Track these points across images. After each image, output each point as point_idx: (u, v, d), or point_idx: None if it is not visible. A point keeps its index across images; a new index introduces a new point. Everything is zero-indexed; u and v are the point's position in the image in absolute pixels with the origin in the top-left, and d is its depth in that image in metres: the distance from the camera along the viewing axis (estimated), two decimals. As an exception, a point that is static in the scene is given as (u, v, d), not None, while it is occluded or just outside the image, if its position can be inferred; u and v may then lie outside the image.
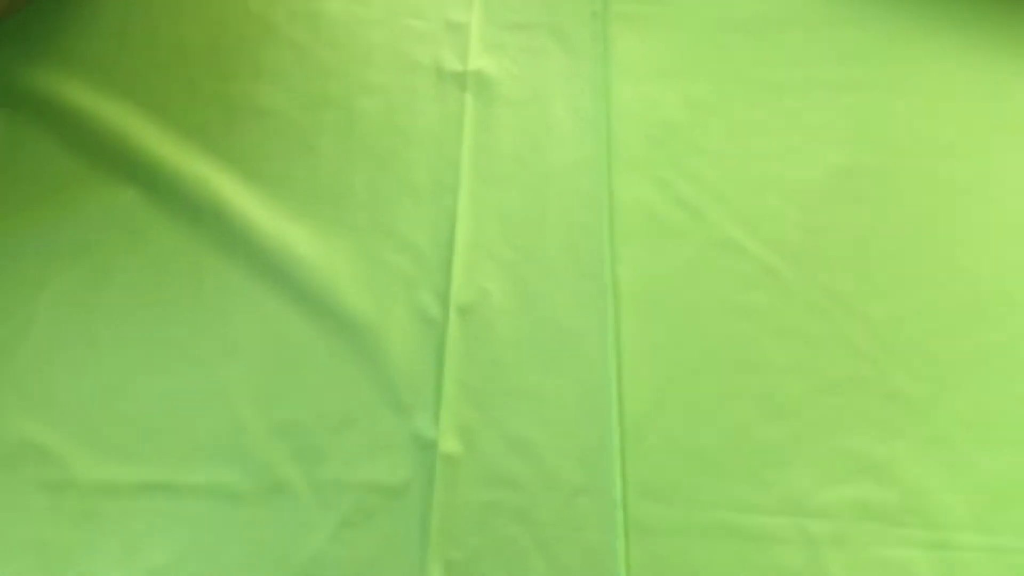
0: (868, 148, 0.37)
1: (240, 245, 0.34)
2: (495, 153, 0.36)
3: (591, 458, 0.32)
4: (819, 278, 0.35)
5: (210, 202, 0.34)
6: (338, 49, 0.38)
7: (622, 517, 0.31)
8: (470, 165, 0.36)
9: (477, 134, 0.37)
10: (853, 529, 0.31)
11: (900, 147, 0.37)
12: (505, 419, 0.32)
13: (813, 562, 0.31)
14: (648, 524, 0.31)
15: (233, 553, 0.30)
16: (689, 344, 0.34)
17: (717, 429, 0.33)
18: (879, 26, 0.39)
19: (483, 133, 0.37)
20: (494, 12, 0.39)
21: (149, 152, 0.35)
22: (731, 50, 0.39)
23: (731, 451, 0.32)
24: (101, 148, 0.35)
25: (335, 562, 0.30)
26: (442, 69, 0.38)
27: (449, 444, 0.32)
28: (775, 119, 0.37)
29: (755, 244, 0.35)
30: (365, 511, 0.31)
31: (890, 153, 0.37)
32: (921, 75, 0.38)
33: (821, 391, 0.33)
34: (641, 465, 0.32)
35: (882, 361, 0.34)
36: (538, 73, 0.38)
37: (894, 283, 0.35)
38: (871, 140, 0.37)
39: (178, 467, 0.31)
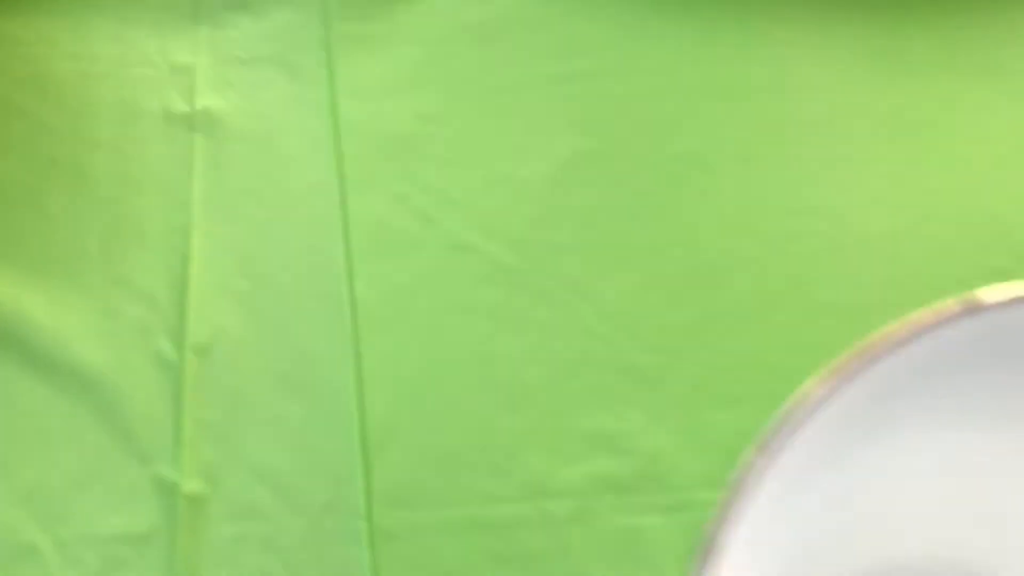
0: (594, 135, 0.38)
1: (-27, 318, 0.34)
2: (227, 189, 0.37)
3: (335, 476, 0.33)
4: (549, 267, 0.36)
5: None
6: (65, 109, 0.38)
7: (367, 528, 0.32)
8: (202, 204, 0.37)
9: (207, 173, 0.37)
10: (592, 504, 0.32)
11: (625, 130, 0.38)
12: (248, 451, 0.33)
13: (555, 541, 0.32)
14: (394, 530, 0.32)
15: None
16: (428, 349, 0.35)
17: (459, 428, 0.33)
18: (607, 16, 0.40)
19: (213, 171, 0.37)
20: (220, 50, 0.40)
21: None
22: (457, 58, 0.40)
23: (473, 447, 0.33)
24: None
25: (85, 618, 0.31)
26: (170, 113, 0.38)
27: (192, 484, 0.32)
28: (502, 120, 0.38)
29: (487, 243, 0.36)
30: (113, 563, 0.31)
31: (616, 137, 0.38)
32: (645, 58, 0.40)
33: (557, 376, 0.34)
34: (385, 474, 0.33)
35: (613, 338, 0.35)
36: (266, 105, 0.39)
37: (621, 261, 0.36)
38: (597, 126, 0.38)
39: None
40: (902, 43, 0.39)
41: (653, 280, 0.35)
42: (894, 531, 0.25)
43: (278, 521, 0.32)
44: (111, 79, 0.39)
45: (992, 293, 0.19)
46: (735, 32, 0.39)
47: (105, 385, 0.34)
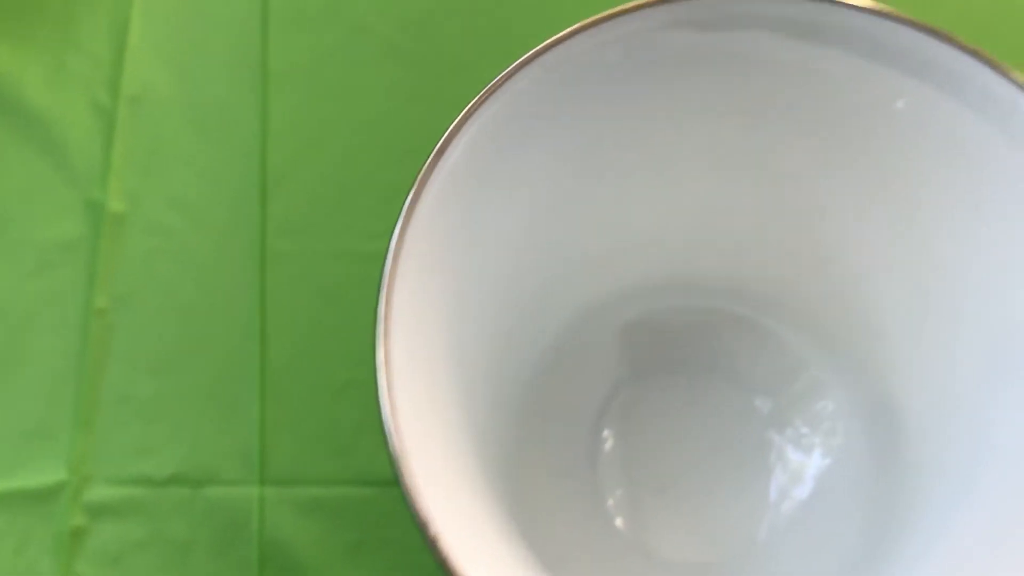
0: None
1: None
2: (166, -31, 0.42)
3: (237, 205, 0.38)
4: (438, 49, 0.41)
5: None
6: None
7: (260, 249, 0.38)
8: (144, -20, 0.42)
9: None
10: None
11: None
12: (165, 182, 0.39)
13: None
14: (284, 253, 0.38)
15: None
16: (327, 111, 0.40)
17: (347, 176, 0.39)
18: None
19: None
20: None
21: None
22: None
23: (358, 192, 0.39)
24: None
25: (17, 305, 0.37)
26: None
27: (115, 204, 0.38)
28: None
29: (387, 27, 0.41)
30: (46, 264, 0.37)
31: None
32: None
33: (438, 138, 0.40)
34: (280, 207, 0.38)
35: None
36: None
37: (502, 45, 0.41)
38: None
39: None
40: None
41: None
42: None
43: (186, 239, 0.38)
44: None
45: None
46: None
47: (51, 124, 0.39)
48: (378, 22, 0.41)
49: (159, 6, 0.41)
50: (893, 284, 0.30)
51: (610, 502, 0.32)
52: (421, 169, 0.28)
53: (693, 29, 0.27)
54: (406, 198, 0.28)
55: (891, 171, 0.28)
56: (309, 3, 0.41)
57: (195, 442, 0.35)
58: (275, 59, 0.40)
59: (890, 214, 0.29)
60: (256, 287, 0.37)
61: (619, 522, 0.32)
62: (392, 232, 0.38)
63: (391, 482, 0.24)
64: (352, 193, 0.39)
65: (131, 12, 0.41)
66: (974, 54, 0.26)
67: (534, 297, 0.32)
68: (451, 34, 0.41)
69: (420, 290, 0.28)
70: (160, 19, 0.41)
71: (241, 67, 0.40)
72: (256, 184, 0.39)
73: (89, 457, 0.35)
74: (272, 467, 0.35)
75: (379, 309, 0.26)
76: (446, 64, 0.41)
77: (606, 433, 0.33)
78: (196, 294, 0.37)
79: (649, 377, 0.33)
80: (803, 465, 0.32)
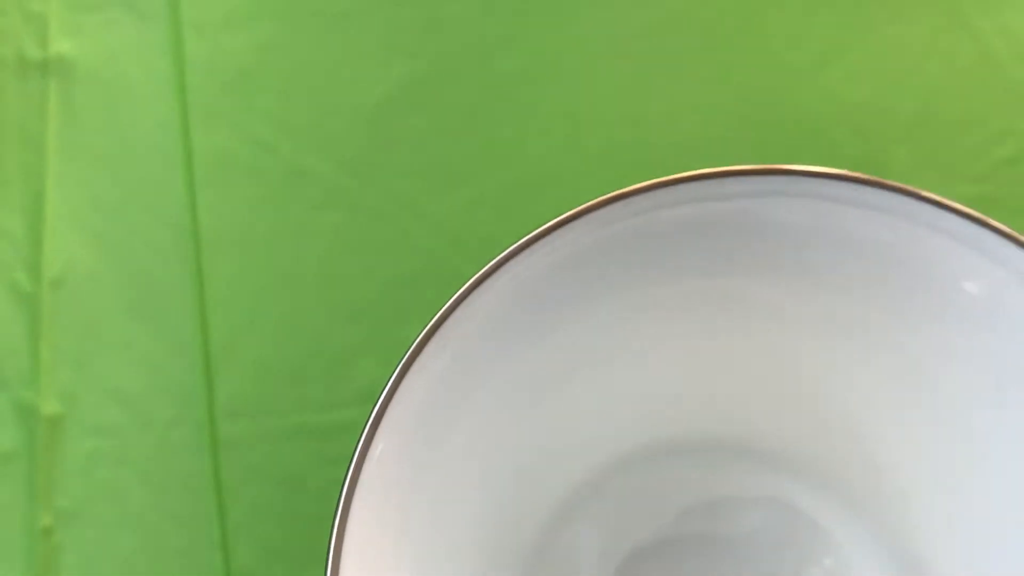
0: (427, 57, 0.39)
1: None
2: (78, 130, 0.39)
3: (180, 393, 0.35)
4: (383, 188, 0.38)
5: None
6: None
7: (209, 438, 0.35)
8: (55, 146, 0.38)
9: (60, 116, 0.39)
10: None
11: (456, 51, 0.39)
12: (101, 374, 0.35)
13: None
14: (234, 439, 0.35)
15: None
16: (269, 271, 0.37)
17: (296, 342, 0.36)
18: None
19: (66, 114, 0.39)
20: (71, -3, 0.41)
21: None
22: (296, -13, 0.41)
23: (309, 359, 0.36)
24: None
25: (-45, 531, 0.34)
26: (24, 60, 0.40)
27: (49, 406, 0.35)
28: (338, 47, 0.39)
29: (325, 168, 0.38)
30: (-22, 481, 0.34)
31: (447, 59, 0.39)
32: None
33: (390, 291, 0.36)
34: (226, 388, 0.35)
35: (442, 253, 0.37)
36: (114, 47, 0.40)
37: (451, 180, 0.37)
38: (429, 49, 0.39)
39: None
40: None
41: (480, 196, 0.37)
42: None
43: (129, 437, 0.35)
44: (-32, 29, 0.41)
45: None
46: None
47: (-32, 319, 0.36)
48: (316, 163, 0.38)
49: (74, 172, 0.38)
50: (918, 446, 0.27)
51: None
52: (376, 403, 0.25)
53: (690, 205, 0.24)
54: (362, 430, 0.25)
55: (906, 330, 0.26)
56: (237, 149, 0.38)
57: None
58: (206, 217, 0.37)
59: (904, 373, 0.26)
60: (210, 483, 0.34)
61: None
62: (349, 403, 0.35)
63: None
64: (301, 361, 0.36)
65: (45, 181, 0.38)
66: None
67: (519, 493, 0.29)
68: (396, 170, 0.38)
69: (379, 521, 0.25)
70: (77, 186, 0.38)
71: (170, 232, 0.37)
72: (199, 365, 0.35)
73: None
74: None
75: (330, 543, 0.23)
76: (389, 201, 0.37)
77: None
78: (147, 499, 0.34)
79: (652, 556, 0.30)
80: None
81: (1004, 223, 0.36)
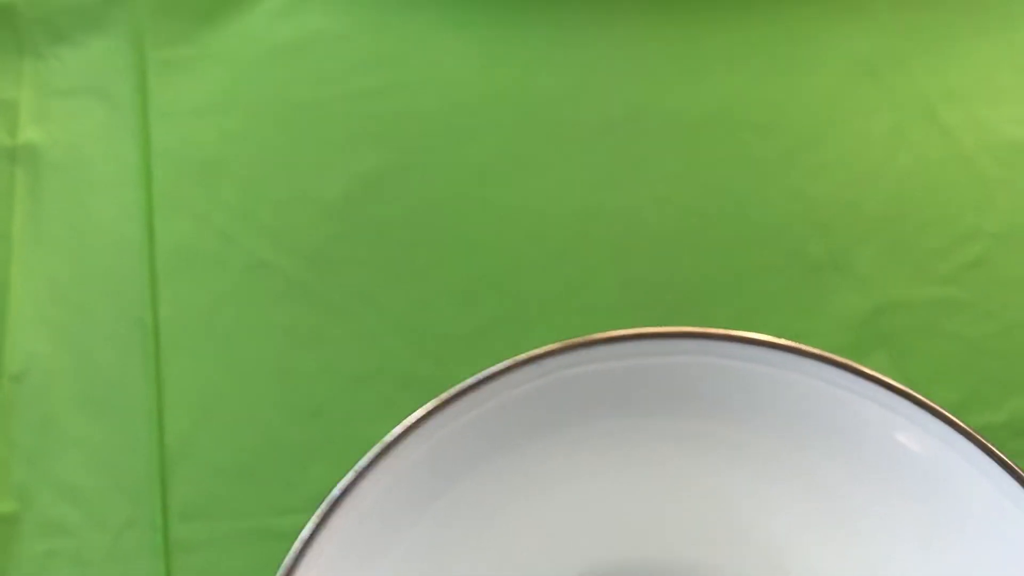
0: (390, 150, 0.39)
1: None
2: (44, 219, 0.39)
3: (135, 493, 0.35)
4: (343, 282, 0.37)
5: None
6: None
7: (163, 541, 0.34)
8: (20, 236, 0.38)
9: (26, 205, 0.39)
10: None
11: (420, 144, 0.39)
12: (56, 472, 0.35)
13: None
14: (188, 542, 0.34)
15: None
16: (225, 367, 0.37)
17: (252, 442, 0.36)
18: (405, 33, 0.41)
19: (32, 203, 0.39)
20: (42, 83, 0.41)
21: None
22: (262, 79, 0.41)
23: (265, 460, 0.35)
24: None
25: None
26: (-7, 148, 0.40)
27: (4, 505, 0.35)
28: (303, 138, 0.39)
29: (286, 261, 0.38)
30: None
31: (411, 151, 0.39)
32: (440, 72, 0.40)
33: (347, 388, 0.36)
34: (180, 489, 0.35)
35: (399, 350, 0.36)
36: (83, 135, 0.40)
37: (411, 274, 0.37)
38: (393, 141, 0.39)
39: None
40: (695, 43, 0.39)
41: (439, 291, 0.37)
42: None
43: (84, 537, 0.35)
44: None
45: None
46: (531, 40, 0.40)
47: (-73, 415, 0.36)
48: (274, 256, 0.38)
49: (38, 262, 0.38)
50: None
51: None
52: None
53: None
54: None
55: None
56: (198, 243, 0.38)
57: None
58: (166, 311, 0.37)
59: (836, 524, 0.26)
60: (162, 586, 0.34)
61: None
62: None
63: None
64: (257, 461, 0.35)
65: (9, 273, 0.38)
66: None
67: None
68: (354, 261, 0.38)
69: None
70: (40, 277, 0.38)
71: (130, 326, 0.37)
72: (155, 463, 0.35)
73: None
74: None
75: None
76: (348, 295, 0.37)
77: None
78: (99, 602, 0.34)
79: None
80: None
81: (970, 328, 0.35)
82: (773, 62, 0.39)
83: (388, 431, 0.35)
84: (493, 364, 0.35)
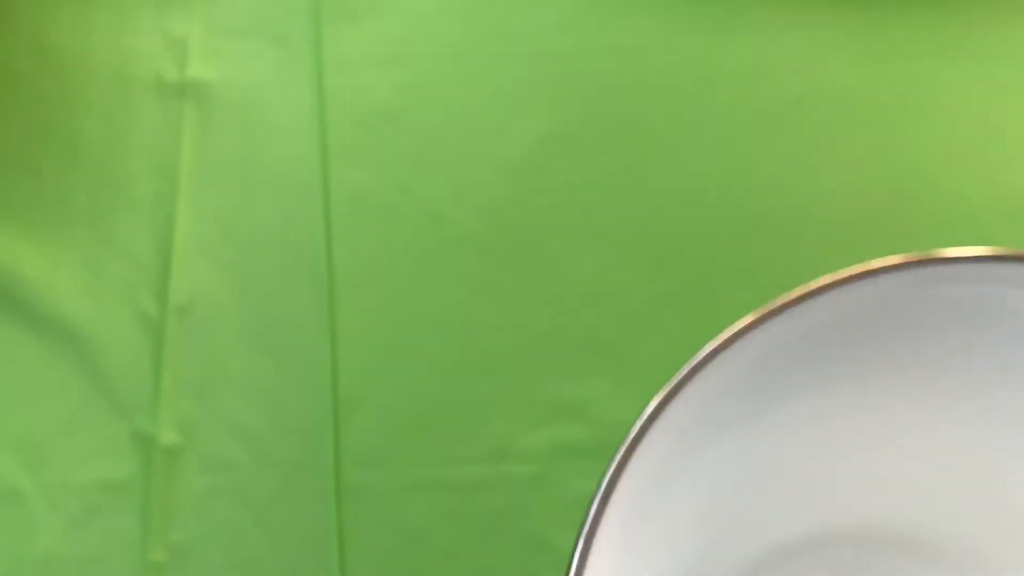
0: (570, 114, 0.39)
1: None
2: (213, 156, 0.38)
3: (306, 435, 0.34)
4: (523, 240, 0.37)
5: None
6: (61, 77, 0.40)
7: (334, 486, 0.33)
8: (188, 171, 0.38)
9: (195, 141, 0.38)
10: (553, 468, 0.33)
11: (600, 110, 0.39)
12: (223, 408, 0.34)
13: (515, 503, 0.33)
14: (360, 489, 0.33)
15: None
16: (401, 315, 0.36)
17: (427, 392, 0.35)
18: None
19: (202, 139, 0.38)
20: (213, 21, 0.41)
21: None
22: (441, 33, 0.40)
23: (440, 412, 0.34)
24: None
25: (64, 558, 0.32)
26: (162, 82, 0.39)
27: (168, 437, 0.34)
28: (482, 95, 0.39)
29: (464, 215, 0.37)
30: (90, 508, 0.33)
31: (591, 117, 0.39)
32: (624, 39, 0.40)
33: (525, 345, 0.35)
34: (354, 436, 0.34)
35: (581, 310, 0.36)
36: (254, 76, 0.39)
37: (592, 237, 0.37)
38: (573, 106, 0.39)
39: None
40: (882, 25, 0.39)
41: (621, 257, 0.36)
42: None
43: (249, 476, 0.33)
44: (107, 48, 0.40)
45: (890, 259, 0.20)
46: (713, 13, 0.40)
47: (89, 340, 0.35)
48: (453, 210, 0.37)
49: (207, 199, 0.37)
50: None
51: None
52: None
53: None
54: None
55: None
56: (374, 191, 0.37)
57: None
58: (340, 255, 0.36)
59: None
60: (332, 531, 0.33)
61: None
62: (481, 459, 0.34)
63: None
64: (432, 412, 0.34)
65: (176, 207, 0.37)
66: None
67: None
68: (533, 220, 0.37)
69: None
70: (209, 215, 0.37)
71: (303, 268, 0.36)
72: (328, 409, 0.34)
73: None
74: None
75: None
76: (529, 253, 0.37)
77: None
78: (263, 542, 0.33)
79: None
80: None
81: None
82: (963, 47, 0.39)
83: (569, 389, 0.35)
84: (676, 335, 0.35)
